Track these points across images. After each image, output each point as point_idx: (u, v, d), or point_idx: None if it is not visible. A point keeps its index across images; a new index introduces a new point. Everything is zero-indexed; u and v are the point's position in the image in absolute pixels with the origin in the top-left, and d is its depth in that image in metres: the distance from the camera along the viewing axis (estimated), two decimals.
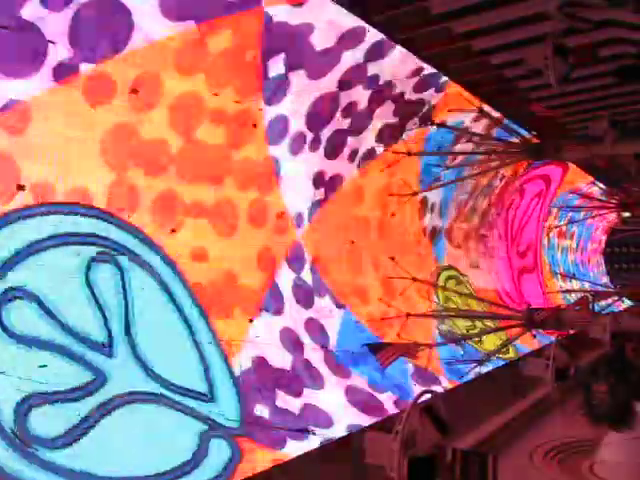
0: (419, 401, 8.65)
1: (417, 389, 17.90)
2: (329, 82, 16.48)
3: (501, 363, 22.35)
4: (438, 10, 14.60)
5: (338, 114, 17.43)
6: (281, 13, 14.02)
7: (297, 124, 16.37)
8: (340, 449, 13.14)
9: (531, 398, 20.82)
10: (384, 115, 19.12)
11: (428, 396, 9.11)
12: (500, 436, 17.60)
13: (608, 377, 14.88)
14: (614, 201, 34.32)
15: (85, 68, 11.49)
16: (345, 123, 17.94)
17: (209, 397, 13.23)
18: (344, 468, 12.21)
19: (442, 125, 20.51)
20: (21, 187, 10.94)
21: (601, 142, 16.99)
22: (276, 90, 15.25)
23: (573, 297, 36.75)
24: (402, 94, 18.98)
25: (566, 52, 13.08)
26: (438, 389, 18.39)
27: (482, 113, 20.38)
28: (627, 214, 38.61)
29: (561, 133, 23.64)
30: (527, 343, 25.42)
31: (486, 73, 18.52)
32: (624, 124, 17.11)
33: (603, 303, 31.04)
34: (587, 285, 40.90)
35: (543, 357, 16.26)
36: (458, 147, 22.44)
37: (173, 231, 13.70)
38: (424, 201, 24.20)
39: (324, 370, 16.90)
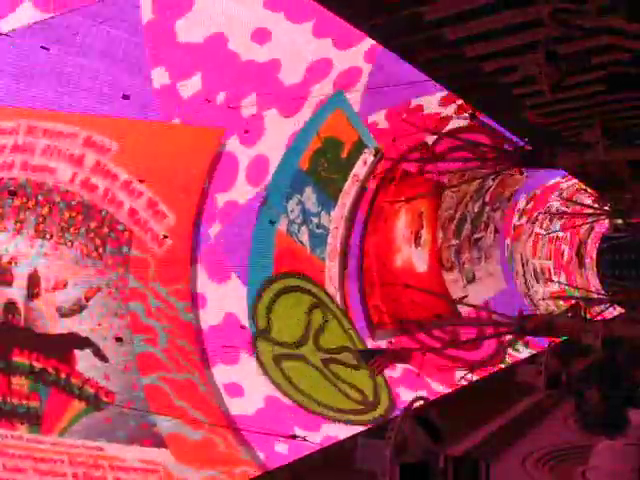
0: (412, 407, 8.63)
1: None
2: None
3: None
4: (431, 17, 14.61)
5: None
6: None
7: None
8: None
9: (523, 405, 20.81)
10: None
11: (421, 402, 9.09)
12: (492, 442, 17.58)
13: (600, 384, 14.86)
14: (606, 208, 34.44)
15: None
16: None
17: None
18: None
19: (435, 132, 20.54)
20: None
21: (594, 149, 17.02)
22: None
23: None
24: None
25: (559, 59, 13.10)
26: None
27: (474, 119, 20.41)
28: (619, 221, 38.78)
29: (554, 140, 23.68)
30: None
31: (479, 80, 18.55)
32: (617, 131, 17.16)
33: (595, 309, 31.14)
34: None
35: (535, 364, 16.23)
36: None
37: None
38: None
39: None
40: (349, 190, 20.53)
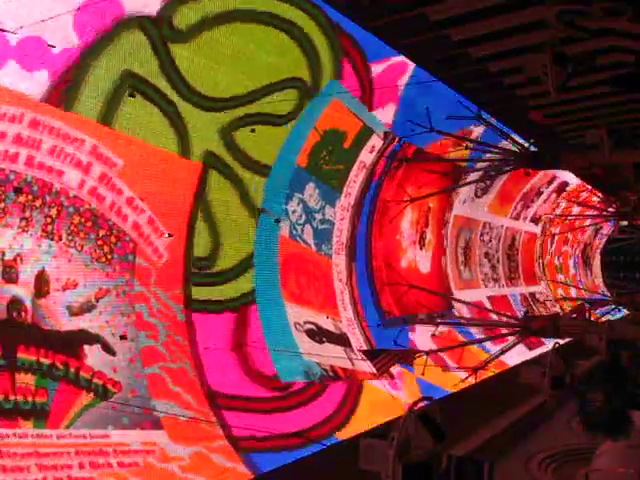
0: (415, 407, 8.63)
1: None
2: None
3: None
4: (437, 17, 14.63)
5: None
6: None
7: None
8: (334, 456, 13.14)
9: (527, 406, 20.80)
10: None
11: (425, 402, 9.10)
12: (496, 444, 17.57)
13: (604, 385, 14.83)
14: (611, 209, 34.40)
15: None
16: None
17: None
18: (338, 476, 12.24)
19: (439, 132, 20.52)
20: None
21: (599, 151, 17.00)
22: None
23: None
24: None
25: (565, 60, 13.10)
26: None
27: (480, 120, 20.42)
28: (624, 223, 38.68)
29: (559, 141, 23.67)
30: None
31: (484, 81, 18.56)
32: (622, 133, 17.14)
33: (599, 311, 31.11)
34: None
35: (539, 365, 16.22)
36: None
37: None
38: None
39: None
40: (355, 178, 20.23)
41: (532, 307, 35.78)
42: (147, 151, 13.28)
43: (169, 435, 12.35)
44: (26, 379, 11.21)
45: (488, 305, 29.14)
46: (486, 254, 32.49)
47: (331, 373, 17.51)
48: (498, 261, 34.15)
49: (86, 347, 12.27)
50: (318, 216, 19.22)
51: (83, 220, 12.40)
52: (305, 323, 17.77)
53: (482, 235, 32.07)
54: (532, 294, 37.59)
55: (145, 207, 13.28)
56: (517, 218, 35.10)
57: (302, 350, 16.96)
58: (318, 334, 18.02)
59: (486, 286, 31.64)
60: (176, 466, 12.09)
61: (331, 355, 17.57)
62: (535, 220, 37.36)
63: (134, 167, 13.08)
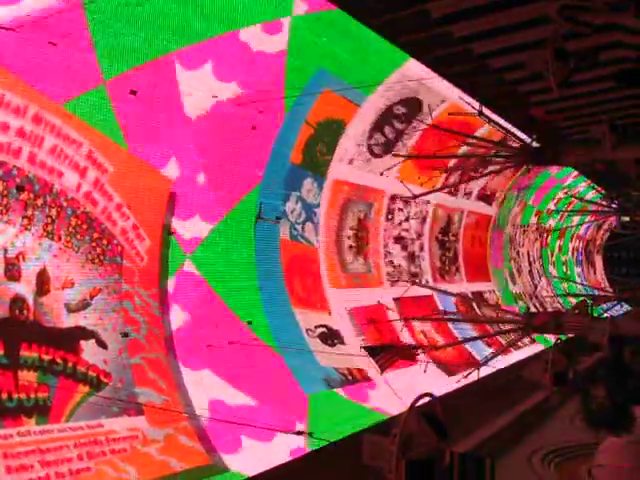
0: (417, 404, 8.63)
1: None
2: None
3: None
4: (438, 14, 14.61)
5: None
6: None
7: None
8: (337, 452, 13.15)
9: (529, 402, 20.80)
10: None
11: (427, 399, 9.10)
12: (498, 440, 17.58)
13: (607, 381, 14.84)
14: (613, 205, 34.33)
15: None
16: None
17: None
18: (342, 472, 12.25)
19: (437, 127, 20.46)
20: None
21: (601, 146, 16.97)
22: None
23: None
24: None
25: (566, 56, 13.05)
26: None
27: (482, 117, 20.35)
28: (626, 218, 38.60)
29: (561, 137, 23.64)
30: None
31: (486, 77, 18.53)
32: (624, 128, 17.09)
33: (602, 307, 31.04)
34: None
35: (542, 361, 16.22)
36: None
37: None
38: None
39: None
40: None
41: (475, 310, 27.10)
42: (132, 160, 14.04)
43: (148, 420, 13.23)
44: (29, 376, 11.56)
45: (394, 309, 22.13)
46: (399, 239, 24.38)
47: (349, 377, 17.46)
48: (422, 249, 26.00)
49: (83, 342, 13.07)
50: (318, 210, 18.96)
51: (79, 222, 13.18)
52: (316, 328, 17.67)
53: (390, 212, 23.53)
54: (479, 294, 30.30)
55: (130, 214, 14.20)
56: (454, 193, 27.01)
57: (317, 357, 16.95)
58: (330, 336, 17.93)
59: (394, 284, 23.31)
60: (154, 449, 12.88)
61: (341, 353, 17.57)
62: (485, 197, 29.80)
63: (122, 174, 13.84)
